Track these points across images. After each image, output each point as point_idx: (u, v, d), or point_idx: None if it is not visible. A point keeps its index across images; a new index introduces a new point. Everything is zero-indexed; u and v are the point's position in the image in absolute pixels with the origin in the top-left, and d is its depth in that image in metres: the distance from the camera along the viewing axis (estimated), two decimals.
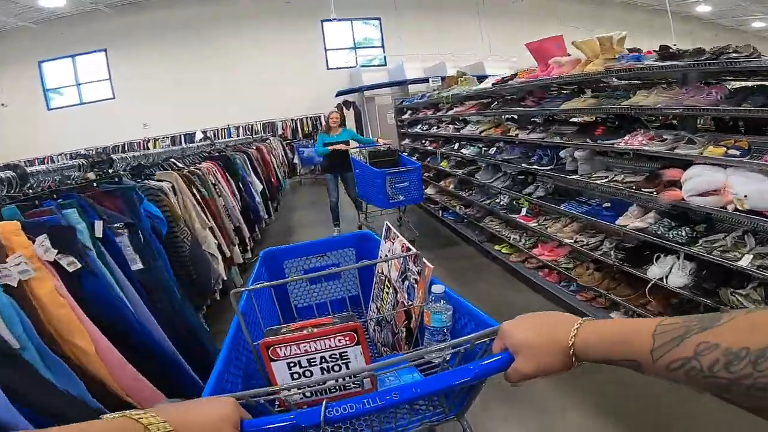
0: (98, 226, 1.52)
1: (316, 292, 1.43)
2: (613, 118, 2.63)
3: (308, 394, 0.76)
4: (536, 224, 3.23)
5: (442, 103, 4.47)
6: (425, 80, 7.91)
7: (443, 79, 6.41)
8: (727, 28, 15.08)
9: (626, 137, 2.32)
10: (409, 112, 6.12)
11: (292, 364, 0.81)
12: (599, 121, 2.68)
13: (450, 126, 4.49)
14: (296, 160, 8.92)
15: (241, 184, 3.68)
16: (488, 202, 3.93)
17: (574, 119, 3.04)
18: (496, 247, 3.86)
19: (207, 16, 10.71)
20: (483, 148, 3.80)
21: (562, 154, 2.77)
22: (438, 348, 0.75)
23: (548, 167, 2.95)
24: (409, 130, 6.02)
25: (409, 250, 1.09)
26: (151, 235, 1.98)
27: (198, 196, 2.58)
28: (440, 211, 5.14)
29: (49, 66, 10.99)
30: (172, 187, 2.29)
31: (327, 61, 11.23)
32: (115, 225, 1.60)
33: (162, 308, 1.86)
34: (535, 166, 2.99)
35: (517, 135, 3.15)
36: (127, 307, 1.55)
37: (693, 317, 0.42)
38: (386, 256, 1.23)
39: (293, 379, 0.81)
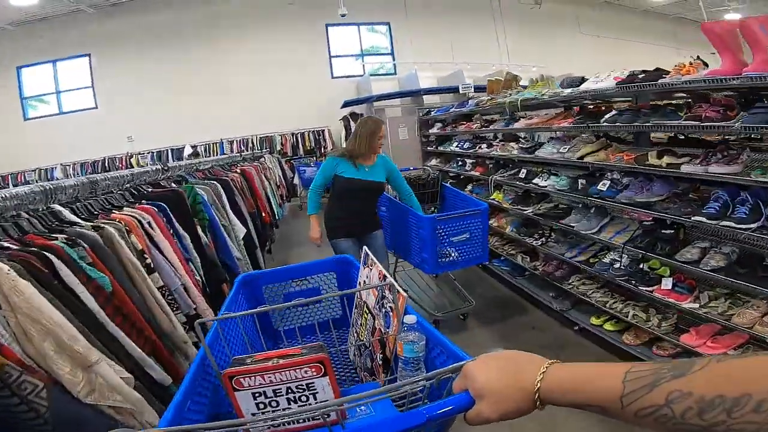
0: None
1: (298, 315, 1.36)
2: None
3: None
4: (696, 305, 1.88)
5: (505, 111, 3.09)
6: (452, 89, 6.58)
7: (476, 88, 5.06)
8: None
9: None
10: (438, 125, 4.73)
11: (257, 394, 0.77)
12: None
13: (512, 145, 3.11)
14: (296, 181, 7.52)
15: (208, 234, 2.27)
16: (583, 258, 2.54)
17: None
18: (594, 321, 2.51)
19: (199, 19, 9.43)
20: (580, 181, 2.42)
21: None
22: (397, 385, 0.70)
23: (752, 224, 1.56)
24: (438, 147, 4.63)
25: (385, 278, 1.05)
26: None
27: (81, 290, 1.18)
28: None
29: (27, 72, 9.69)
30: None
31: (332, 69, 9.93)
32: None
33: None
34: (726, 223, 1.60)
35: (677, 166, 1.76)
36: None
37: (665, 364, 0.42)
38: (364, 282, 1.17)
39: (258, 408, 0.78)
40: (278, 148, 9.06)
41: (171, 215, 1.84)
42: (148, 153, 9.39)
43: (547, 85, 2.66)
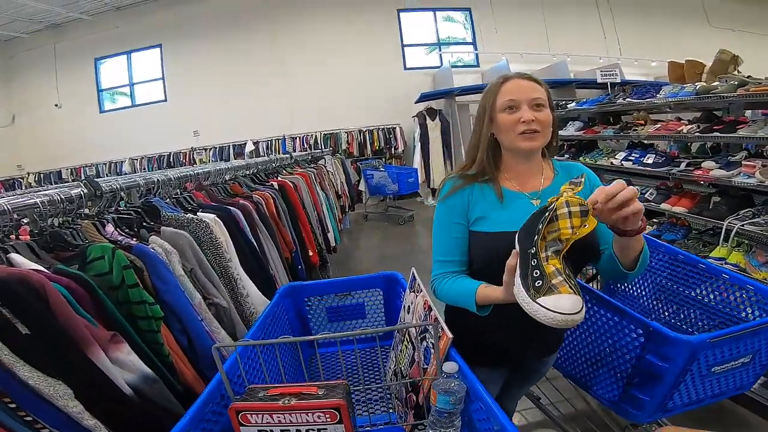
0: None
1: (339, 329, 1.29)
2: None
3: None
4: None
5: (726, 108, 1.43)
6: (587, 82, 4.87)
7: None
8: None
9: None
10: (578, 125, 3.07)
11: None
12: None
13: None
14: (362, 186, 6.22)
15: (160, 336, 0.93)
16: None
17: None
18: None
19: (266, 8, 8.45)
20: None
21: None
22: None
23: None
24: (578, 157, 2.98)
25: (430, 309, 0.84)
26: None
27: None
28: None
29: (105, 64, 9.36)
30: None
31: (404, 59, 8.49)
32: None
33: None
34: None
35: None
36: None
37: None
38: (408, 308, 0.99)
39: None
40: (343, 147, 7.82)
41: None
42: (210, 149, 8.63)
43: None
